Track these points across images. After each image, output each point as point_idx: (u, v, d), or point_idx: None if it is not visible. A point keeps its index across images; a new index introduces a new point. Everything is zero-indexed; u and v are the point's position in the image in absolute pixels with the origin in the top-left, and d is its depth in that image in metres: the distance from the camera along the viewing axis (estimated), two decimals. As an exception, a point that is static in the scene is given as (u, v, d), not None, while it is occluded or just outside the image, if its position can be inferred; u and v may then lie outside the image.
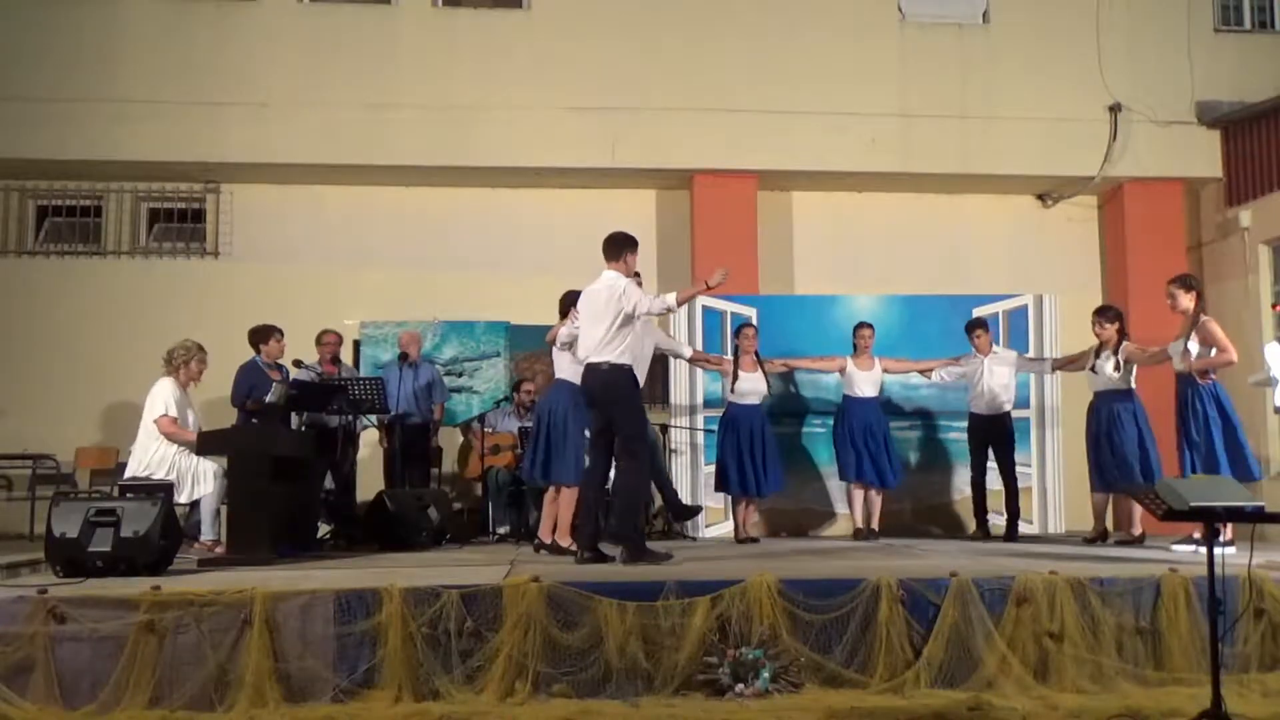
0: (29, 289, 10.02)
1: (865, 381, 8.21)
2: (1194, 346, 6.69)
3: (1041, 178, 10.65)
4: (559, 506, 6.81)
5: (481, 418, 9.06)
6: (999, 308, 9.20)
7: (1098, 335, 7.62)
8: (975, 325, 8.32)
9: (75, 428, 9.64)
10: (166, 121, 9.63)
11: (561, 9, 10.15)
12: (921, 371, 8.53)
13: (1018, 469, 8.37)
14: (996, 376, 8.21)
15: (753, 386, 7.93)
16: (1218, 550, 3.91)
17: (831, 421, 8.54)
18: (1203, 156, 10.56)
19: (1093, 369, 7.62)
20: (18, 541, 8.45)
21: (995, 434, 8.27)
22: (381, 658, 4.51)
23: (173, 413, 7.08)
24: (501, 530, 8.91)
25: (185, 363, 7.29)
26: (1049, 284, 9.82)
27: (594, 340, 6.09)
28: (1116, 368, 7.49)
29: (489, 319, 10.05)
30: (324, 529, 8.15)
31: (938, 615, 4.76)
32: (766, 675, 4.54)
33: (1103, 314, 7.66)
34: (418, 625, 4.54)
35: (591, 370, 6.13)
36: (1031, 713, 4.36)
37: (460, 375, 9.91)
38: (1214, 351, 6.65)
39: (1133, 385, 7.56)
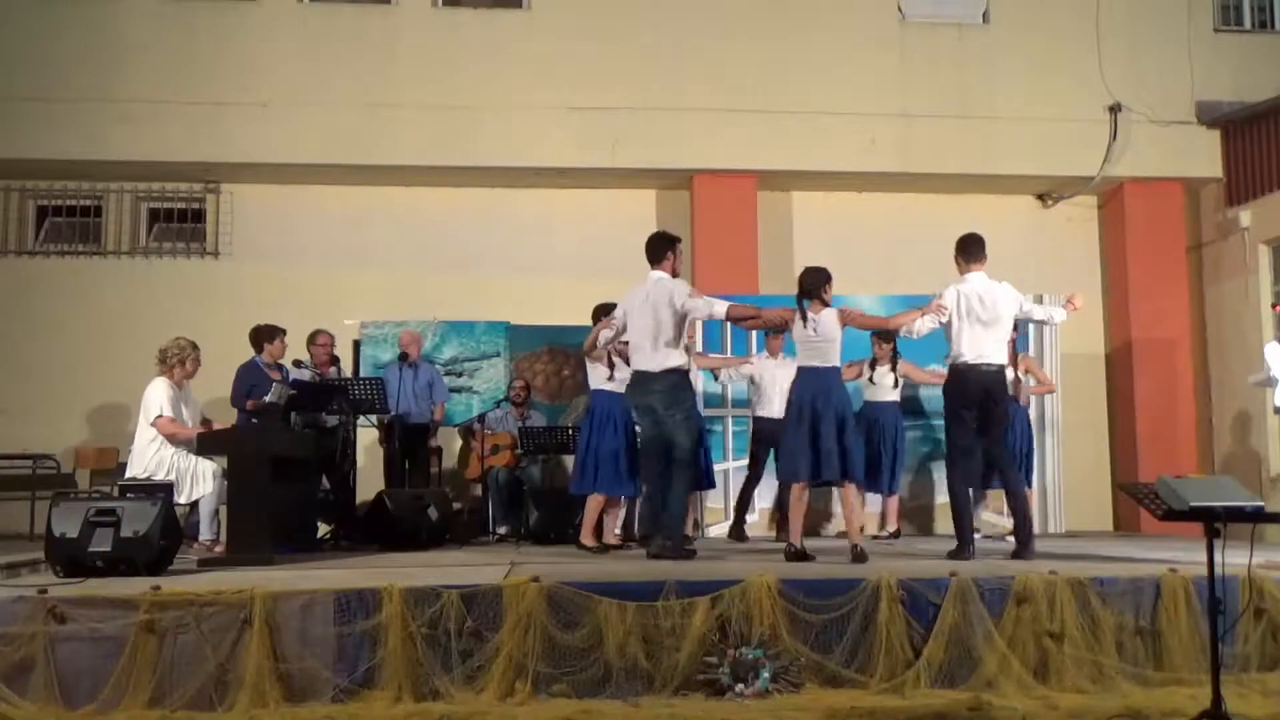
0: (29, 289, 10.02)
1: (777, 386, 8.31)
2: (1021, 375, 7.99)
3: (1041, 178, 10.64)
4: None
5: (481, 418, 9.07)
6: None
7: (876, 354, 8.52)
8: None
9: (75, 428, 9.65)
10: (166, 121, 9.62)
11: (561, 9, 10.15)
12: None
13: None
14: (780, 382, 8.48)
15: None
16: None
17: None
18: (1203, 156, 10.54)
19: (870, 380, 8.46)
20: (18, 541, 8.44)
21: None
22: (381, 658, 4.51)
23: (168, 413, 7.06)
24: (501, 530, 8.92)
25: (180, 362, 7.27)
26: (1049, 284, 9.82)
27: (993, 341, 6.27)
28: (895, 383, 8.54)
29: (489, 319, 10.05)
30: (324, 529, 8.15)
31: (938, 615, 4.76)
32: (766, 675, 4.54)
33: (880, 335, 8.34)
34: (418, 625, 4.54)
35: (990, 373, 6.24)
36: (1031, 713, 4.36)
37: (460, 375, 9.91)
38: (1032, 381, 8.34)
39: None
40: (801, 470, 6.16)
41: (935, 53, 10.40)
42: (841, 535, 8.56)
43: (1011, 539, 8.08)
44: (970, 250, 6.47)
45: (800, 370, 6.29)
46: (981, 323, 6.24)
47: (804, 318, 6.17)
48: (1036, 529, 8.88)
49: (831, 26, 10.30)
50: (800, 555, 6.05)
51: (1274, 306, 9.79)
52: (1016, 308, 6.40)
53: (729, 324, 8.93)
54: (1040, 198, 11.04)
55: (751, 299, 9.11)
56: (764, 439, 8.48)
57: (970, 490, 6.54)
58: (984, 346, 6.23)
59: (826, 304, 6.22)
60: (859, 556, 5.94)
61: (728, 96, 10.00)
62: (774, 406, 8.42)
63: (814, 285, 6.23)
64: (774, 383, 8.42)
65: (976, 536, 8.20)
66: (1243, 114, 10.31)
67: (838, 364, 6.26)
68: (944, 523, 9.14)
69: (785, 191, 10.69)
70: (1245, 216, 10.27)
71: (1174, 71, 10.45)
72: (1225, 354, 10.53)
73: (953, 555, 6.16)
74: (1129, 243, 10.56)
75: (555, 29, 10.10)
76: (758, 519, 8.88)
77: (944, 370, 8.77)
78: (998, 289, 6.35)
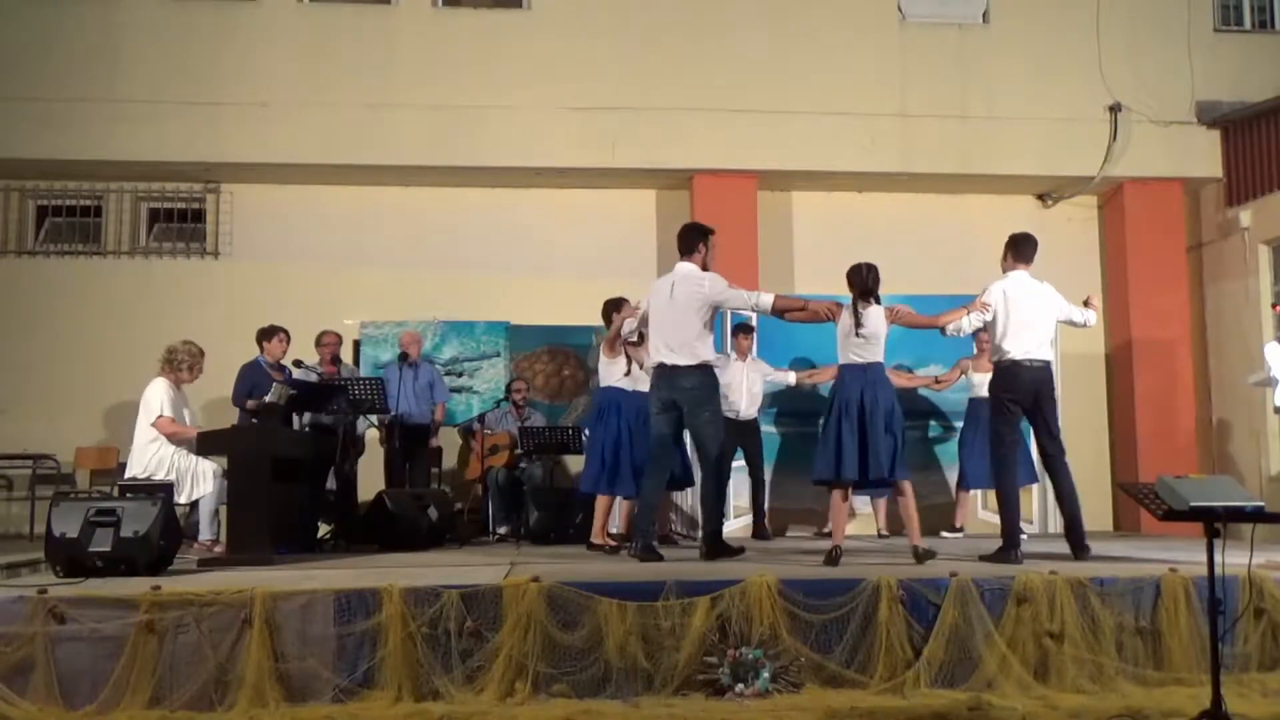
0: (29, 289, 10.01)
1: None
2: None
3: (1041, 178, 10.63)
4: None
5: (481, 418, 9.07)
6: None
7: None
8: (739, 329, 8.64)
9: (75, 428, 9.63)
10: (166, 121, 9.62)
11: (561, 9, 10.14)
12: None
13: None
14: (751, 384, 8.59)
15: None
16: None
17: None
18: (1203, 156, 10.54)
19: None
20: (18, 541, 8.45)
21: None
22: (381, 658, 4.52)
23: (169, 413, 7.06)
24: (501, 530, 8.92)
25: (189, 366, 7.28)
26: (1049, 284, 9.82)
27: (1039, 338, 6.32)
28: None
29: (489, 319, 10.06)
30: (324, 529, 8.15)
31: (938, 615, 4.77)
32: (766, 675, 4.54)
33: None
34: (418, 625, 4.55)
35: (1040, 369, 6.30)
36: (1031, 713, 4.37)
37: (460, 375, 9.92)
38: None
39: None
40: (848, 470, 6.00)
41: (935, 53, 10.40)
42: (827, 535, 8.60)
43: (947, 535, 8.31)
44: (1021, 249, 6.53)
45: (845, 368, 6.16)
46: (1027, 320, 6.28)
47: (857, 317, 6.04)
48: (1037, 529, 8.95)
49: (831, 26, 10.29)
50: (836, 559, 5.91)
51: (1274, 306, 9.79)
52: (1058, 309, 6.48)
53: (728, 324, 9.02)
54: (1040, 198, 11.04)
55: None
56: (732, 439, 8.48)
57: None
58: (1030, 343, 6.28)
59: (877, 301, 6.16)
60: (924, 555, 5.81)
61: (728, 96, 9.99)
62: (741, 407, 8.47)
63: (874, 284, 6.14)
64: (742, 383, 8.46)
65: (959, 535, 8.31)
66: (1243, 114, 10.31)
67: (882, 360, 6.16)
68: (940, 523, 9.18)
69: (785, 191, 10.68)
70: (1245, 216, 10.27)
71: (1174, 71, 10.45)
72: (1225, 354, 10.53)
73: (995, 558, 5.97)
74: (1129, 243, 10.55)
75: (555, 29, 10.09)
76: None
77: (919, 376, 8.95)
78: (1041, 288, 6.41)
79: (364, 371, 9.40)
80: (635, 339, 6.92)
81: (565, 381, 10.04)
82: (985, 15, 10.61)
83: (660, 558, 6.11)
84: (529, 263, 10.26)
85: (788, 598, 4.74)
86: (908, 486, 6.13)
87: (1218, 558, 3.90)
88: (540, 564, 5.81)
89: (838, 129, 10.10)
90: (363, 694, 4.47)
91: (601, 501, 7.04)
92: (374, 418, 8.52)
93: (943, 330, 6.46)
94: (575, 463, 9.40)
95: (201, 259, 10.30)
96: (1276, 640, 4.95)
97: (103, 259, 10.24)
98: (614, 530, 7.66)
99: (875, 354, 6.10)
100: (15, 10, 9.71)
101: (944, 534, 8.64)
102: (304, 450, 7.23)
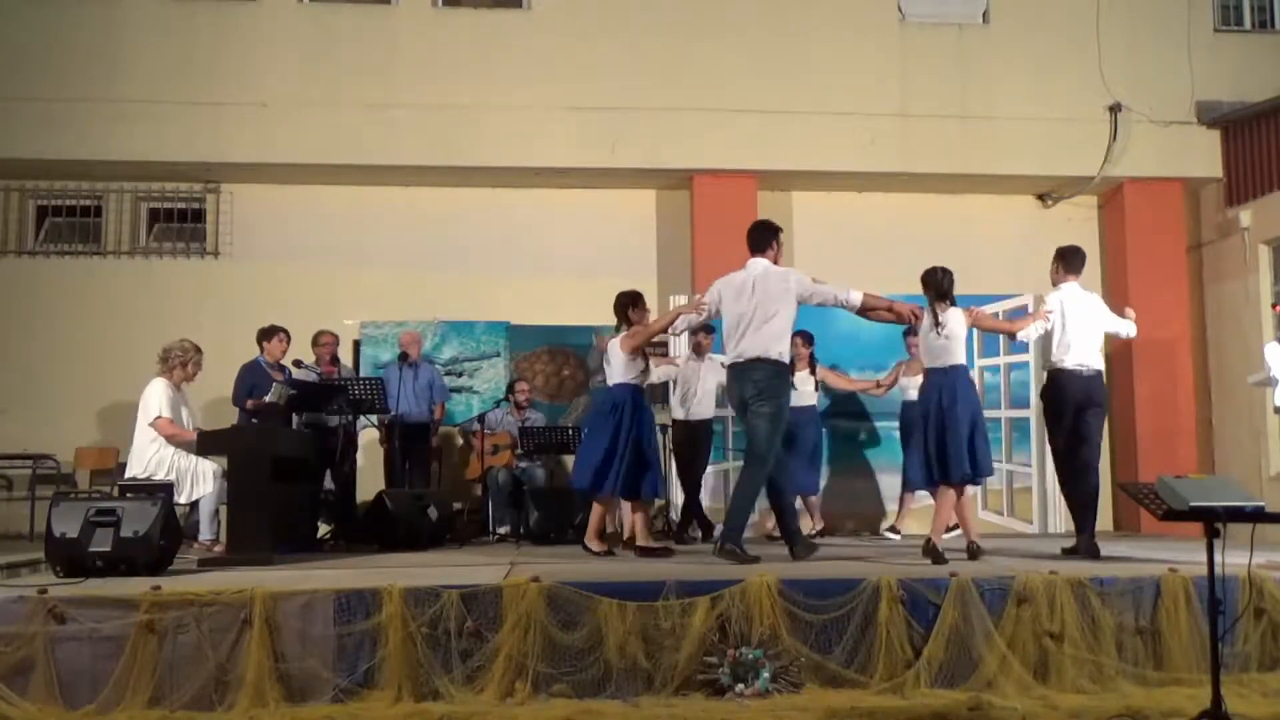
0: (29, 289, 10.01)
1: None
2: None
3: (1041, 178, 10.63)
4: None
5: (481, 418, 9.08)
6: (999, 308, 9.20)
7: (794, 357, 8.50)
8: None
9: (75, 428, 9.63)
10: (166, 121, 9.61)
11: (561, 9, 10.14)
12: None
13: (1018, 468, 8.45)
14: (706, 382, 8.44)
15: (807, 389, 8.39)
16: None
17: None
18: (1203, 156, 10.54)
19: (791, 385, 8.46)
20: (18, 541, 8.45)
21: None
22: (381, 658, 4.52)
23: (167, 414, 7.06)
24: (501, 530, 8.92)
25: (182, 364, 7.27)
26: (1049, 284, 9.81)
27: (1091, 346, 6.51)
28: (815, 387, 8.56)
29: (489, 319, 10.06)
30: (324, 529, 8.15)
31: (938, 615, 4.77)
32: (766, 675, 4.55)
33: (801, 335, 8.24)
34: (418, 625, 4.55)
35: (1090, 377, 6.44)
36: (1031, 713, 4.37)
37: (460, 375, 9.92)
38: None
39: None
40: (933, 472, 6.11)
41: (935, 53, 10.40)
42: (818, 535, 8.61)
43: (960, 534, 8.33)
44: (1070, 261, 6.73)
45: (929, 371, 6.25)
46: (1081, 329, 6.48)
47: (936, 320, 6.14)
48: (1037, 529, 8.95)
49: (831, 26, 10.28)
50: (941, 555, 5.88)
51: (1274, 306, 9.79)
52: (1105, 319, 6.67)
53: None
54: (1040, 198, 11.04)
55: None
56: (686, 441, 8.45)
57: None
58: (1082, 351, 6.47)
59: (953, 303, 6.23)
60: (935, 555, 5.81)
61: (728, 96, 9.99)
62: (701, 408, 8.41)
63: (949, 286, 6.23)
64: (701, 384, 8.37)
65: (951, 536, 8.31)
66: (1242, 114, 10.31)
67: (963, 361, 6.22)
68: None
69: (785, 191, 10.68)
70: (1245, 216, 10.27)
71: (1174, 71, 10.44)
72: (1225, 354, 10.53)
73: (1069, 552, 6.37)
74: (1129, 243, 10.56)
75: (555, 29, 10.09)
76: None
77: (861, 379, 8.92)
78: (1090, 298, 6.64)
79: (364, 372, 9.40)
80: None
81: (565, 381, 10.04)
82: (985, 15, 10.61)
83: (754, 559, 5.84)
84: (529, 263, 10.26)
85: (788, 598, 4.74)
86: (951, 491, 6.19)
87: (1218, 558, 3.90)
88: (540, 564, 5.81)
89: (838, 129, 10.10)
90: (363, 694, 4.48)
91: (598, 504, 6.87)
92: (374, 418, 8.52)
93: (1013, 336, 6.80)
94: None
95: (201, 259, 10.30)
96: (1276, 640, 4.95)
97: (103, 259, 10.24)
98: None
99: (957, 356, 6.18)
100: (15, 10, 9.71)
101: (887, 534, 8.68)
102: (304, 450, 7.24)
